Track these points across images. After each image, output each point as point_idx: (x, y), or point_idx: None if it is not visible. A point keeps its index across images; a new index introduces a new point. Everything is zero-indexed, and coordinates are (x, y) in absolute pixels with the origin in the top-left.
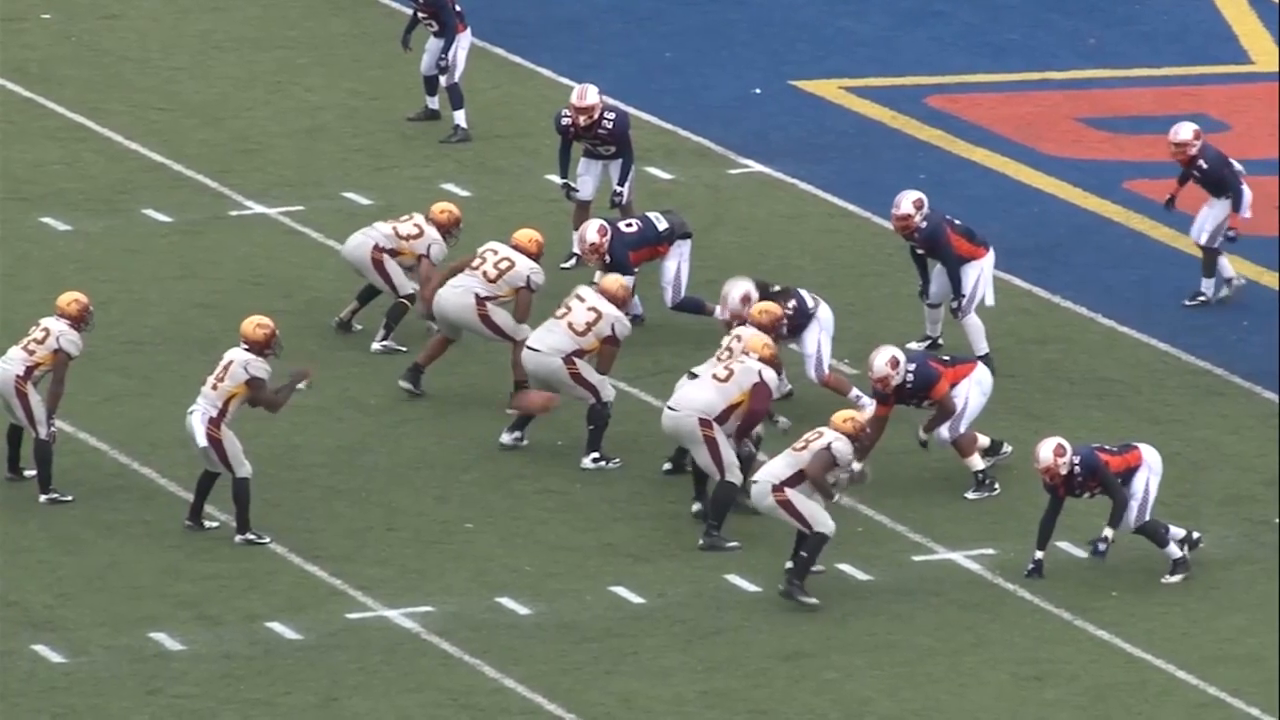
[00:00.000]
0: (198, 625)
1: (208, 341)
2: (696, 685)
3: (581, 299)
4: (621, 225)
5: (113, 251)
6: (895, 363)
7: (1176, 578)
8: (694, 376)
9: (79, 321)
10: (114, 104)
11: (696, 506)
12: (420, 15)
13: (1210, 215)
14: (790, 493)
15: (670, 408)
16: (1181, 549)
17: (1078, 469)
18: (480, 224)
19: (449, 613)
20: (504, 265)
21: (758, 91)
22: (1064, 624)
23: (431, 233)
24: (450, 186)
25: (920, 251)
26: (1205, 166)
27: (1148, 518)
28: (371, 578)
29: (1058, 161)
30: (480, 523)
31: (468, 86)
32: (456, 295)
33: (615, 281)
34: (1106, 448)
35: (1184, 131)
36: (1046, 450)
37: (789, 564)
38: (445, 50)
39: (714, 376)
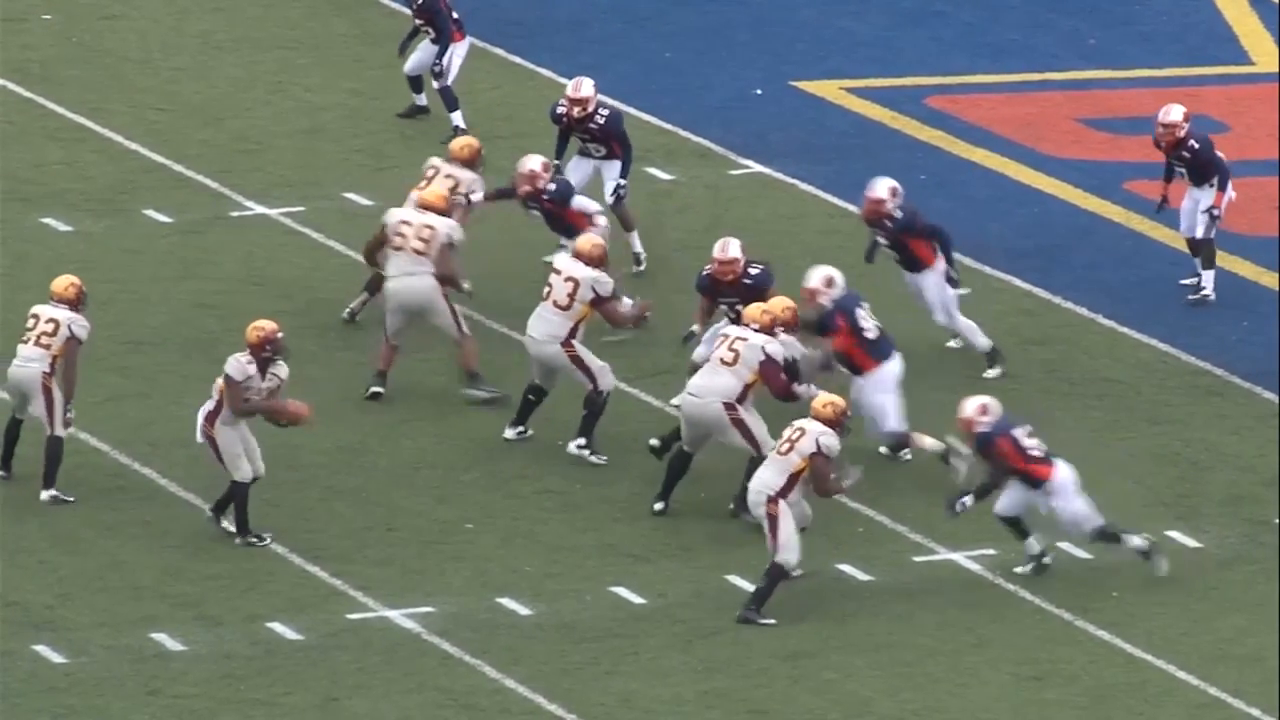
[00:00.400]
0: (198, 625)
1: (208, 342)
2: (696, 685)
3: (558, 271)
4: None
5: (113, 252)
6: (830, 281)
7: (1162, 567)
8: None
9: (78, 304)
10: (114, 104)
11: (659, 505)
12: (417, 22)
13: (1198, 208)
14: (781, 506)
15: (691, 394)
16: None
17: (982, 437)
18: (482, 225)
19: (449, 613)
20: (426, 234)
21: (758, 92)
22: (1064, 624)
23: (465, 175)
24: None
25: (884, 242)
26: (1196, 146)
27: (1097, 524)
28: (372, 578)
29: (1058, 162)
30: (480, 523)
31: (468, 87)
32: (416, 280)
33: (588, 241)
34: (1030, 447)
35: (1174, 112)
36: (971, 405)
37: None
38: (439, 56)
39: (721, 361)
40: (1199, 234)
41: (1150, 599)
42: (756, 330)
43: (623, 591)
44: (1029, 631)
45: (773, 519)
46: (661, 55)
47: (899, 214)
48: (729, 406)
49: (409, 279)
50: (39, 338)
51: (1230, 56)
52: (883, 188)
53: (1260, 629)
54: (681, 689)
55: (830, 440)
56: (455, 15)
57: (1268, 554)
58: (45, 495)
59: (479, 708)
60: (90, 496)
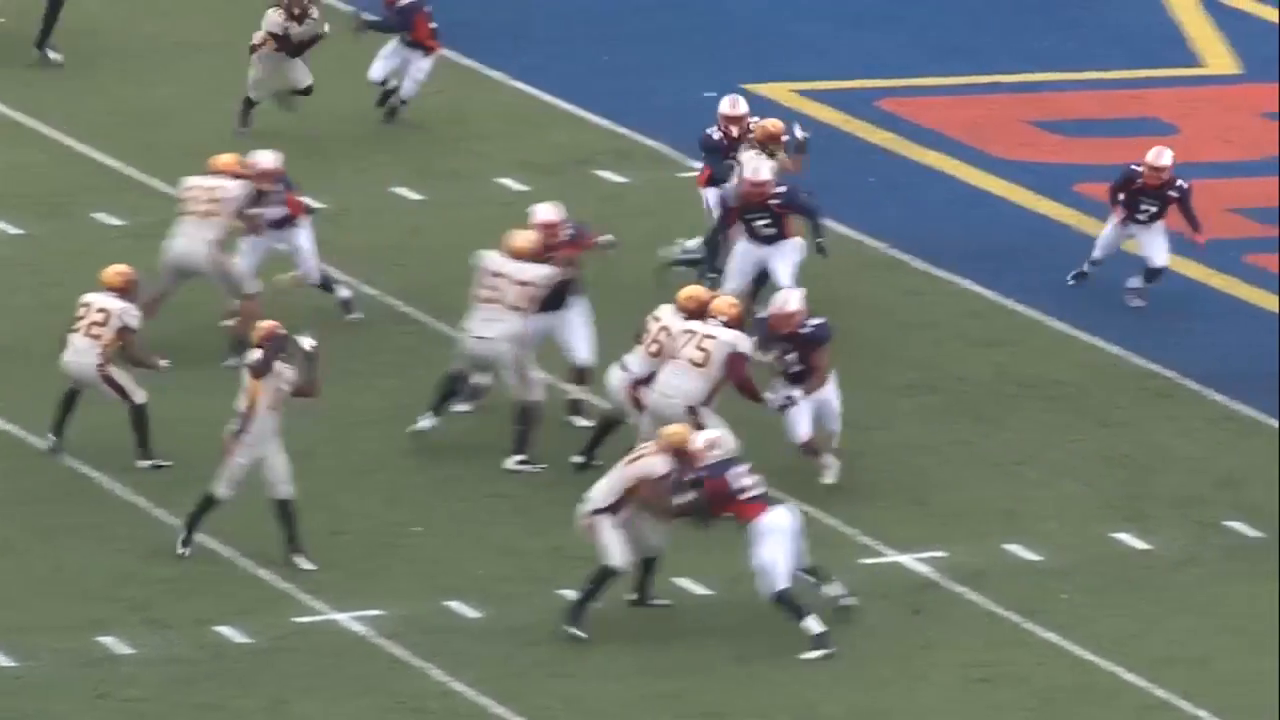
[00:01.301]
0: (147, 629)
1: (158, 344)
2: (645, 688)
3: (501, 274)
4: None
5: (62, 255)
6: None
7: (816, 654)
8: (625, 368)
9: (127, 293)
10: (64, 107)
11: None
12: (405, 39)
13: (1120, 239)
14: (597, 519)
15: (663, 394)
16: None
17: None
18: (432, 227)
19: (398, 616)
20: (215, 195)
21: (709, 95)
22: (1013, 626)
23: (754, 156)
24: (401, 190)
25: (763, 223)
26: (1185, 187)
27: (779, 587)
28: (321, 581)
29: (1009, 164)
30: (430, 526)
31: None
32: (191, 244)
33: (523, 239)
34: (746, 487)
35: (1166, 156)
36: (703, 438)
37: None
38: (423, 71)
39: (691, 361)
40: (1158, 264)
41: (1099, 601)
42: (725, 324)
43: (573, 595)
44: (977, 634)
45: (590, 530)
46: (613, 58)
47: (783, 188)
48: (691, 410)
49: (186, 240)
50: (89, 327)
51: (1180, 59)
52: (767, 170)
53: (1209, 631)
54: (630, 692)
55: (660, 464)
56: (433, 25)
57: (1217, 556)
58: (144, 465)
59: (428, 711)
60: (40, 500)
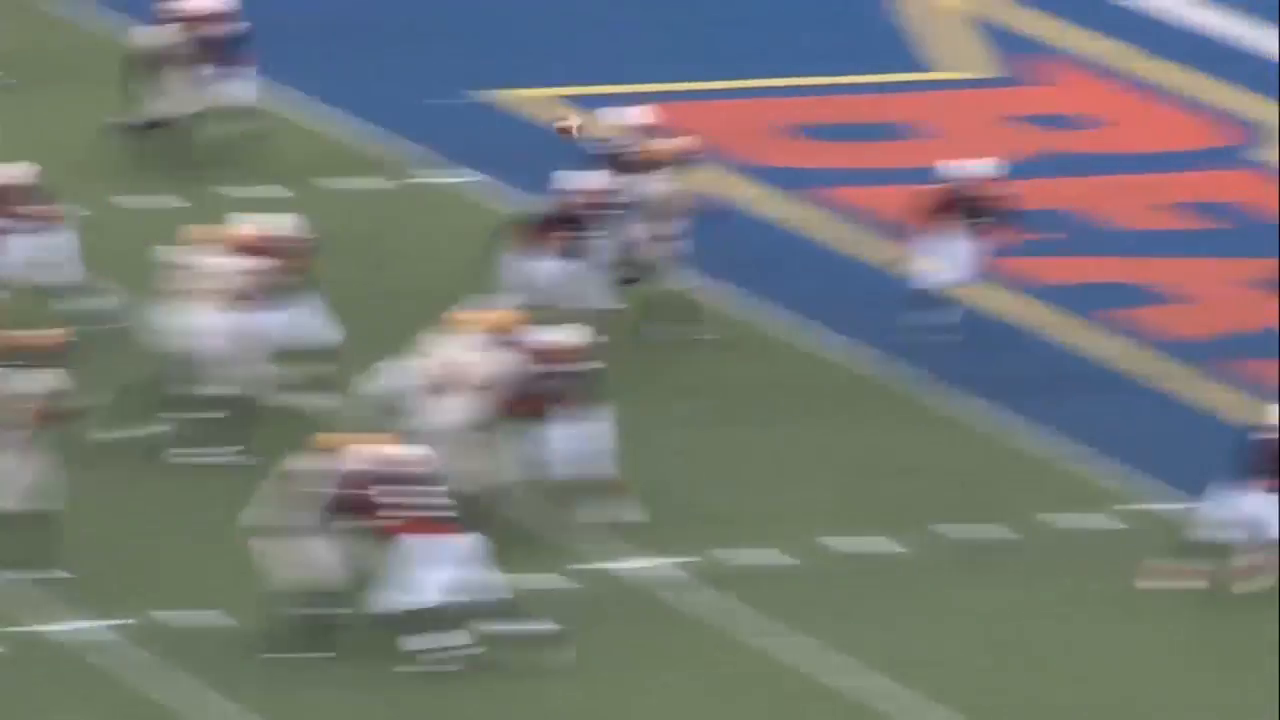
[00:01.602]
0: None
1: None
2: (388, 696)
3: (202, 268)
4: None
5: None
6: None
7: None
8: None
9: None
10: None
11: None
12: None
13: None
14: (300, 541)
15: (431, 417)
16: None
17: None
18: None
19: (146, 624)
20: None
21: (456, 100)
22: (759, 630)
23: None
24: (155, 198)
25: (575, 236)
26: (1012, 194)
27: (426, 599)
28: (71, 590)
29: (759, 170)
30: (178, 535)
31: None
32: None
33: (229, 233)
34: (397, 507)
35: (992, 169)
36: (410, 452)
37: None
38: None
39: (462, 382)
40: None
41: (840, 606)
42: (500, 342)
43: (300, 619)
44: (723, 638)
45: (286, 551)
46: (358, 62)
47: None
48: (472, 428)
49: None
50: None
51: (925, 64)
52: (600, 179)
53: (953, 633)
54: (375, 700)
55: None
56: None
57: (947, 560)
58: None
59: (176, 717)
60: None
